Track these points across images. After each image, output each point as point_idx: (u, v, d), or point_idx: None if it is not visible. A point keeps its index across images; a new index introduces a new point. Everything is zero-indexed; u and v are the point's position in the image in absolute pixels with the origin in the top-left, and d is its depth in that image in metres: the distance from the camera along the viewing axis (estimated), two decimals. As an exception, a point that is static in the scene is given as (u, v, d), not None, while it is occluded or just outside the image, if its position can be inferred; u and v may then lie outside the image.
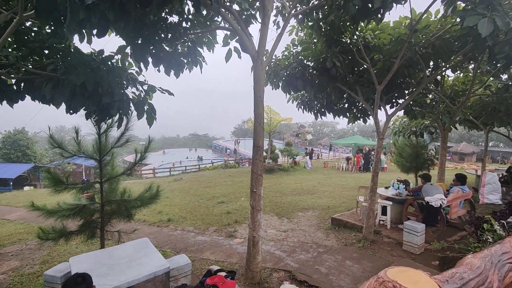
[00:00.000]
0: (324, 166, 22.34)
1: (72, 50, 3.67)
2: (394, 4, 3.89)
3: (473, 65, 6.78)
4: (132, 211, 4.50)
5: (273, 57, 6.31)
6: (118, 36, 3.60)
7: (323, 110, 7.33)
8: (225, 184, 14.36)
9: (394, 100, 6.58)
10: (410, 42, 5.12)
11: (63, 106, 3.52)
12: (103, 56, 3.69)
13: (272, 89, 6.48)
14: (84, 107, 3.58)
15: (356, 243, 5.63)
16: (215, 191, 12.04)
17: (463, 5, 4.07)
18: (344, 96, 6.87)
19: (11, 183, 24.48)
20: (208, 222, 7.42)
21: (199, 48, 4.51)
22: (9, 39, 3.44)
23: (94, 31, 3.07)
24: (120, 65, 4.10)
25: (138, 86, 3.90)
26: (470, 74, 7.64)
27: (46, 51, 3.62)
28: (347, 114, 7.30)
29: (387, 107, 6.42)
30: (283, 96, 6.69)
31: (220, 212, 8.40)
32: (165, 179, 19.72)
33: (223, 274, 3.40)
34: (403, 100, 6.43)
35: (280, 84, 6.24)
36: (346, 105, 7.22)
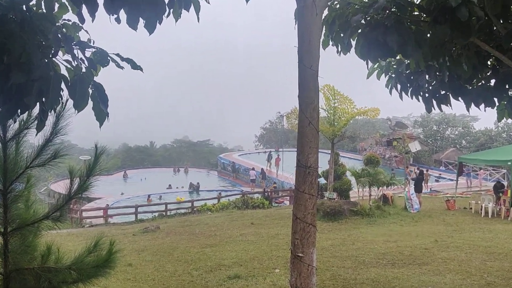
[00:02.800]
0: (448, 206, 21.96)
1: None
2: None
3: None
4: (62, 290, 4.64)
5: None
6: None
7: (442, 92, 7.29)
8: (243, 240, 14.43)
9: None
10: None
11: None
12: (15, -5, 3.90)
13: (338, 52, 6.51)
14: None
15: None
16: (223, 255, 12.10)
17: None
18: (488, 63, 6.78)
19: None
20: (209, 317, 7.49)
21: (192, -25, 4.63)
22: None
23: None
24: (44, 12, 4.31)
25: (76, 50, 4.07)
26: None
27: None
28: (495, 100, 7.18)
29: None
30: (359, 65, 6.66)
31: (233, 297, 8.46)
32: (127, 228, 20.10)
33: None
34: None
35: (354, 43, 6.27)
36: (493, 81, 7.11)
